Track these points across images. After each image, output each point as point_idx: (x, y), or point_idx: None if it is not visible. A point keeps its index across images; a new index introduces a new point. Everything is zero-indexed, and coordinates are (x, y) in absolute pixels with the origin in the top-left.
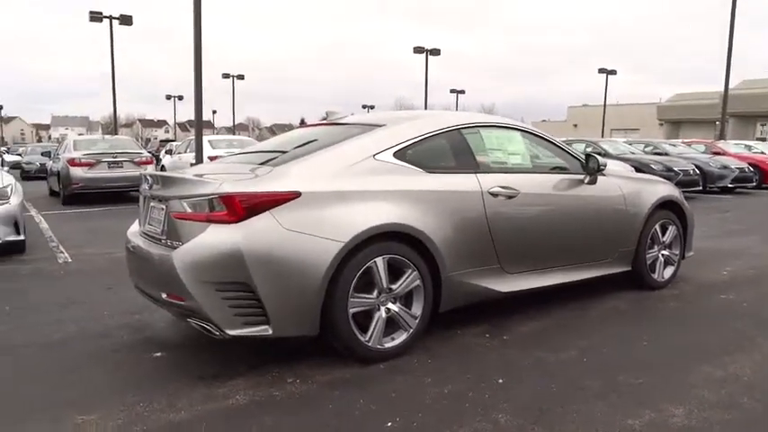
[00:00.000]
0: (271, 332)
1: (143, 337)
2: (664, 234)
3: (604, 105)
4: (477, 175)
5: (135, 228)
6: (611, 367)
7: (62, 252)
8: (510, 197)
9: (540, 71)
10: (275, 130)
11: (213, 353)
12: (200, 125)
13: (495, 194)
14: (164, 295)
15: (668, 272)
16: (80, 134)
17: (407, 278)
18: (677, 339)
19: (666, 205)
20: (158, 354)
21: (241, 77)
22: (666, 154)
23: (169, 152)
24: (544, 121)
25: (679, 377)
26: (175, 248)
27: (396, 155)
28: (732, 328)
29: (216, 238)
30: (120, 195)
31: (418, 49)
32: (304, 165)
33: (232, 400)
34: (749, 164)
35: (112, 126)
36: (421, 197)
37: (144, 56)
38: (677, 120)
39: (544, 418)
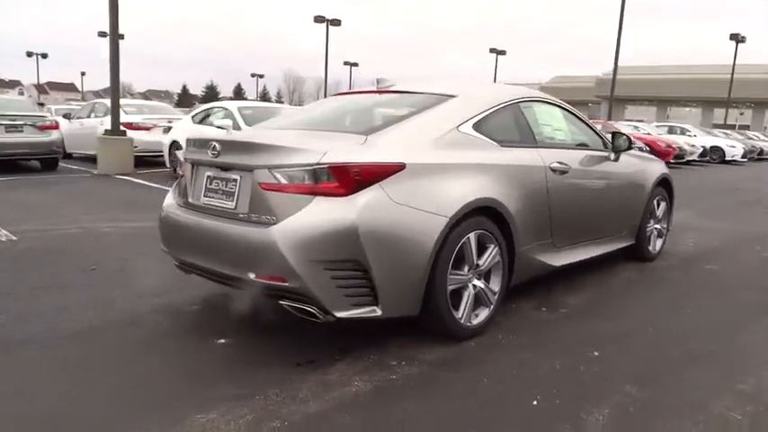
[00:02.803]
0: (380, 313)
1: (185, 321)
2: (658, 209)
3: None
4: (538, 150)
5: (171, 200)
6: (678, 336)
7: None
8: (563, 173)
9: (428, 49)
10: (149, 96)
11: (286, 337)
12: (116, 89)
13: (554, 170)
14: (252, 276)
15: (658, 244)
16: None
17: (491, 254)
18: (710, 307)
19: (662, 182)
20: (222, 340)
21: (121, 37)
22: None
23: (67, 117)
24: None
25: (745, 341)
26: (271, 224)
27: (474, 127)
28: (746, 297)
29: (326, 212)
30: (13, 164)
31: (319, 19)
32: (396, 134)
33: (352, 387)
34: (644, 143)
35: None
36: (500, 171)
37: None
38: None
39: (665, 386)
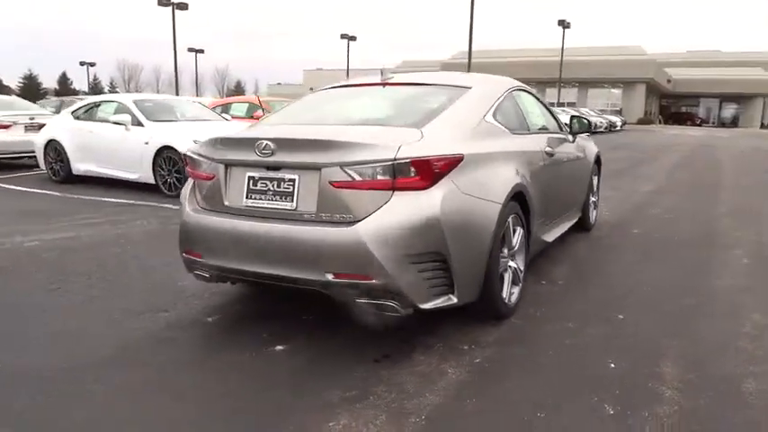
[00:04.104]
0: (455, 301)
1: (216, 334)
2: (594, 183)
3: (347, 69)
4: (532, 135)
5: (193, 205)
6: (669, 293)
7: None
8: (551, 155)
9: (272, 33)
10: None
11: (340, 336)
12: None
13: (547, 154)
14: (330, 276)
15: (594, 215)
16: None
17: (519, 235)
18: (668, 264)
19: (597, 159)
20: (280, 347)
21: None
22: None
23: None
24: (279, 84)
25: (719, 288)
26: (352, 223)
27: (493, 116)
28: (683, 252)
29: (410, 206)
30: None
31: (164, 2)
32: (444, 126)
33: (450, 375)
34: None
35: None
36: (518, 157)
37: None
38: None
39: (696, 337)
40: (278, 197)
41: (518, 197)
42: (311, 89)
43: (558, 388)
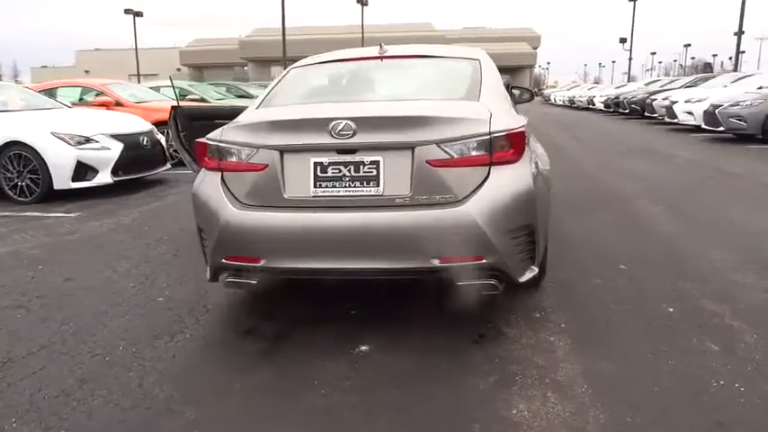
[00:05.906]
0: (536, 271)
1: (275, 345)
2: None
3: (136, 49)
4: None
5: (231, 203)
6: (637, 242)
7: None
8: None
9: (33, 9)
10: None
11: (408, 326)
12: None
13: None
14: (436, 261)
15: None
16: None
17: None
18: (607, 217)
19: None
20: (364, 348)
21: None
22: None
23: None
24: (44, 67)
25: (684, 246)
26: (456, 202)
27: (504, 87)
28: (606, 206)
29: (508, 181)
30: None
31: None
32: (496, 99)
33: (558, 344)
34: None
35: None
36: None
37: None
38: (200, 64)
39: (703, 277)
40: (358, 182)
41: None
42: (86, 72)
43: (654, 336)
